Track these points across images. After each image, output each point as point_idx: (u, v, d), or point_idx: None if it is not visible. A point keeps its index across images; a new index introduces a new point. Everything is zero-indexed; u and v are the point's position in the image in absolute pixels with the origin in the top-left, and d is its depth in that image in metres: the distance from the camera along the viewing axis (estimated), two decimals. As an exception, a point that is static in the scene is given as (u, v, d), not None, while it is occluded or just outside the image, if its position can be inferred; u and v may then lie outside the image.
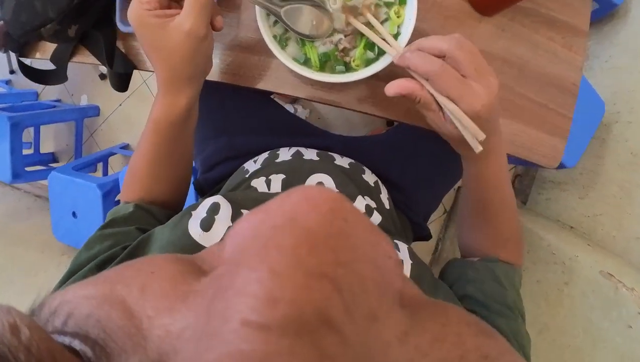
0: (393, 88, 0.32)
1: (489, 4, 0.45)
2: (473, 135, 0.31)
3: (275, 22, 0.41)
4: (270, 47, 0.39)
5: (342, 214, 0.15)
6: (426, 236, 0.64)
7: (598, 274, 0.73)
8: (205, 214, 0.35)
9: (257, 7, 0.39)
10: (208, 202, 0.37)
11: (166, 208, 0.45)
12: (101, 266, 0.33)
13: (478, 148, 0.32)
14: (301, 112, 1.34)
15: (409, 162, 0.58)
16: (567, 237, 0.91)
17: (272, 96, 0.70)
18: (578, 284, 0.77)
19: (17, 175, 1.34)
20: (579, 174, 1.02)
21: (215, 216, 0.35)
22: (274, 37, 0.40)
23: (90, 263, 0.33)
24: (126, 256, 0.33)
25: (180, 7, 0.34)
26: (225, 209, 0.36)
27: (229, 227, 0.35)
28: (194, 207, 0.37)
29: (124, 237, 0.37)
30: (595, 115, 0.87)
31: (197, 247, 0.32)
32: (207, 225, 0.34)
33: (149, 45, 0.35)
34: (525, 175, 1.24)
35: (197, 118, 0.44)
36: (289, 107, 1.33)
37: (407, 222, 0.59)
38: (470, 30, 0.46)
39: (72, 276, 0.33)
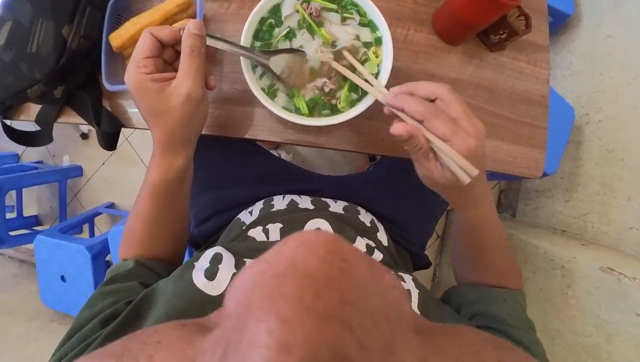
0: (399, 129, 0.32)
1: (455, 34, 0.48)
2: (465, 171, 0.32)
3: (262, 75, 0.42)
4: (260, 98, 0.40)
5: (340, 254, 0.15)
6: (425, 264, 0.64)
7: (599, 271, 0.74)
8: (208, 264, 0.35)
9: (242, 61, 0.41)
10: (210, 253, 0.37)
11: (166, 263, 0.44)
12: (105, 322, 0.32)
13: (466, 180, 0.32)
14: (285, 157, 1.36)
15: (397, 195, 0.59)
16: (561, 241, 0.93)
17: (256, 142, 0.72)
18: (581, 284, 0.78)
19: (1, 240, 1.29)
20: (560, 179, 1.05)
21: (219, 266, 0.35)
22: (262, 89, 0.42)
23: (94, 319, 0.33)
24: (131, 310, 0.32)
25: (175, 69, 0.35)
26: (228, 258, 0.36)
27: (234, 274, 0.35)
28: (196, 258, 0.37)
29: (127, 292, 0.36)
30: (566, 121, 0.92)
31: (203, 297, 0.32)
32: (211, 274, 0.34)
33: (147, 109, 0.36)
34: (509, 190, 1.27)
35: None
36: (272, 153, 1.35)
37: (406, 253, 0.60)
38: (441, 61, 0.49)
39: (74, 334, 0.32)
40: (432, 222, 0.66)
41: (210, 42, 0.37)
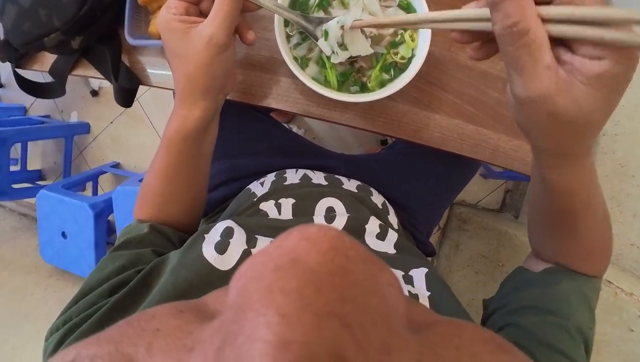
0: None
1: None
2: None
3: (297, 45, 0.41)
4: (290, 66, 0.39)
5: (342, 250, 0.15)
6: (430, 253, 0.64)
7: (596, 281, 0.75)
8: (219, 238, 0.35)
9: (276, 29, 0.39)
10: (221, 226, 0.37)
11: (180, 230, 0.44)
12: (113, 291, 0.32)
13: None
14: (296, 132, 1.35)
15: (410, 181, 0.59)
16: (562, 247, 0.93)
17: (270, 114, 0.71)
18: (577, 293, 0.79)
19: (4, 192, 1.30)
20: (569, 186, 1.05)
21: (230, 240, 0.35)
22: (295, 59, 0.41)
23: (103, 285, 0.33)
24: (139, 280, 0.32)
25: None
26: (239, 233, 0.36)
27: (245, 250, 0.35)
28: (206, 230, 0.37)
29: (137, 258, 0.36)
30: (583, 130, 0.91)
31: (212, 270, 0.32)
32: (221, 248, 0.34)
33: (171, 51, 0.36)
34: (516, 190, 1.27)
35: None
36: (285, 127, 1.34)
37: (413, 240, 0.60)
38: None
39: (82, 297, 0.32)
40: (441, 210, 0.66)
41: None
